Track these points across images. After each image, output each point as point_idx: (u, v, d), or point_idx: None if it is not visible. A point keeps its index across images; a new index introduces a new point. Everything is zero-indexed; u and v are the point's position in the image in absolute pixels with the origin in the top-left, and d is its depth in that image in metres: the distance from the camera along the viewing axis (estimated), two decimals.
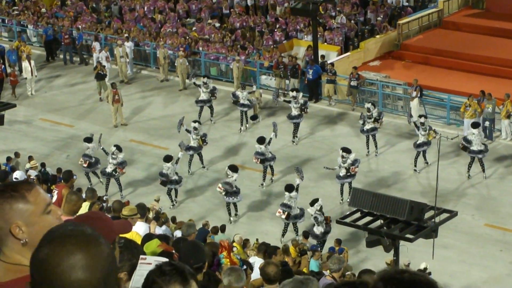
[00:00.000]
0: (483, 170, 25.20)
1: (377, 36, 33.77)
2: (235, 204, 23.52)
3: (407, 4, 36.30)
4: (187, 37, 34.75)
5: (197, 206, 24.59)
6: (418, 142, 25.59)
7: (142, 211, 14.28)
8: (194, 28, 36.09)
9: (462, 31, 34.34)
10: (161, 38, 35.18)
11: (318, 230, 21.03)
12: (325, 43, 33.37)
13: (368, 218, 17.43)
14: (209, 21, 36.62)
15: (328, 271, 13.80)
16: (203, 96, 29.60)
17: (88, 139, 24.97)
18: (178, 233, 16.55)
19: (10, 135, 29.33)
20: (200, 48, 34.27)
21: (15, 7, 40.16)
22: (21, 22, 38.96)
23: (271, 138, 24.96)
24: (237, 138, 28.85)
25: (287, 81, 31.73)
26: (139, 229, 12.29)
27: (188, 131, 25.72)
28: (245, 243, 18.37)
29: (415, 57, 33.00)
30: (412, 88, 28.88)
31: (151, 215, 18.69)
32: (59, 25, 37.23)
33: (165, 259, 4.08)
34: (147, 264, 4.43)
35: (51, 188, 18.02)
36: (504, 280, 20.86)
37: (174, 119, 28.36)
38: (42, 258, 2.68)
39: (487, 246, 22.12)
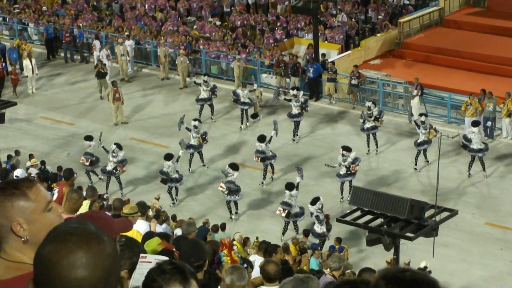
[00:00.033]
0: (484, 169, 25.19)
1: (378, 35, 33.76)
2: (235, 202, 23.52)
3: (408, 2, 36.28)
4: (188, 36, 34.75)
5: (197, 205, 24.59)
6: (418, 141, 25.59)
7: (143, 209, 14.30)
8: (195, 27, 36.09)
9: (463, 29, 34.33)
10: (162, 36, 35.18)
11: (321, 229, 21.01)
12: (326, 42, 33.37)
13: (368, 217, 17.44)
14: (210, 19, 36.61)
15: (328, 269, 13.80)
16: (204, 94, 29.60)
17: (89, 137, 24.98)
18: (178, 231, 16.55)
19: (10, 133, 29.34)
20: (201, 47, 34.27)
21: (16, 5, 40.17)
22: (22, 20, 38.97)
23: (271, 137, 24.96)
24: (237, 137, 28.86)
25: (287, 80, 31.72)
26: (140, 228, 12.30)
27: (188, 129, 25.73)
28: (245, 242, 18.39)
29: (416, 56, 33.00)
30: (412, 87, 28.88)
31: (151, 213, 18.70)
32: (60, 23, 37.22)
33: (165, 258, 4.08)
34: (147, 262, 4.43)
35: (52, 186, 18.04)
36: (505, 278, 20.87)
37: (175, 118, 28.37)
38: (44, 255, 2.68)
39: (487, 244, 22.13)
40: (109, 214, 10.73)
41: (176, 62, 33.37)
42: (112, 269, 2.72)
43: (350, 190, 22.42)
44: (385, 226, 16.92)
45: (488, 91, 27.49)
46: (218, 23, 36.13)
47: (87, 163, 24.91)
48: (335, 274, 12.89)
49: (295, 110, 27.76)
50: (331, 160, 25.32)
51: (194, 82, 30.50)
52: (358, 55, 32.57)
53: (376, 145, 27.01)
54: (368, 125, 26.58)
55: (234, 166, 23.15)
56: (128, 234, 5.48)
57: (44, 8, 39.46)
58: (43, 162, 24.72)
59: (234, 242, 16.69)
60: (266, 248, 14.58)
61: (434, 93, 29.74)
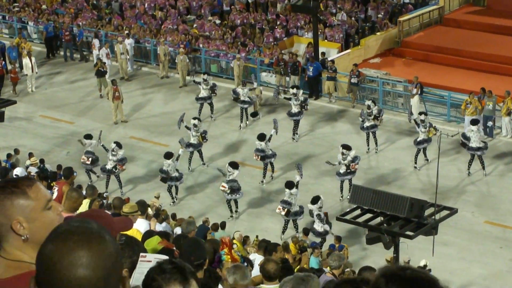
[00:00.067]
0: (483, 168, 25.19)
1: (378, 33, 33.74)
2: (235, 201, 23.52)
3: (408, 1, 36.27)
4: (188, 34, 34.73)
5: (197, 203, 24.59)
6: (418, 139, 25.59)
7: (143, 208, 14.29)
8: (194, 25, 36.08)
9: (463, 28, 34.31)
10: (162, 35, 35.17)
11: (322, 227, 21.00)
12: (326, 40, 33.36)
13: (368, 215, 17.45)
14: (210, 18, 36.60)
15: (328, 268, 13.80)
16: (203, 93, 29.59)
17: (89, 136, 24.97)
18: (178, 230, 16.55)
19: (10, 131, 29.33)
20: (201, 45, 34.26)
21: (15, 4, 40.14)
22: (22, 19, 38.94)
23: (271, 135, 24.96)
24: (237, 135, 28.85)
25: (287, 78, 31.71)
26: (140, 226, 12.29)
27: (188, 128, 25.72)
28: (245, 240, 18.38)
29: (415, 54, 32.99)
30: (412, 85, 28.87)
31: (151, 212, 18.69)
32: (60, 22, 37.21)
33: (165, 257, 4.07)
34: (147, 261, 4.43)
35: (51, 185, 18.03)
36: (504, 277, 20.88)
37: (174, 116, 28.36)
38: (46, 254, 2.68)
39: (487, 243, 22.13)
40: (109, 213, 10.72)
41: (176, 61, 33.36)
42: (113, 269, 2.70)
43: (350, 189, 22.43)
44: (385, 225, 16.93)
45: (488, 89, 27.49)
46: (217, 21, 36.13)
47: (88, 162, 24.89)
48: (335, 273, 12.88)
49: (294, 109, 27.76)
50: (331, 158, 25.29)
51: (194, 81, 30.50)
52: (357, 54, 32.56)
53: (376, 143, 27.02)
54: (367, 123, 26.58)
55: (234, 165, 23.14)
56: (128, 233, 5.48)
57: (44, 6, 39.44)
58: (42, 161, 24.71)
59: (234, 241, 16.68)
60: (266, 247, 14.58)
61: (433, 91, 29.73)
